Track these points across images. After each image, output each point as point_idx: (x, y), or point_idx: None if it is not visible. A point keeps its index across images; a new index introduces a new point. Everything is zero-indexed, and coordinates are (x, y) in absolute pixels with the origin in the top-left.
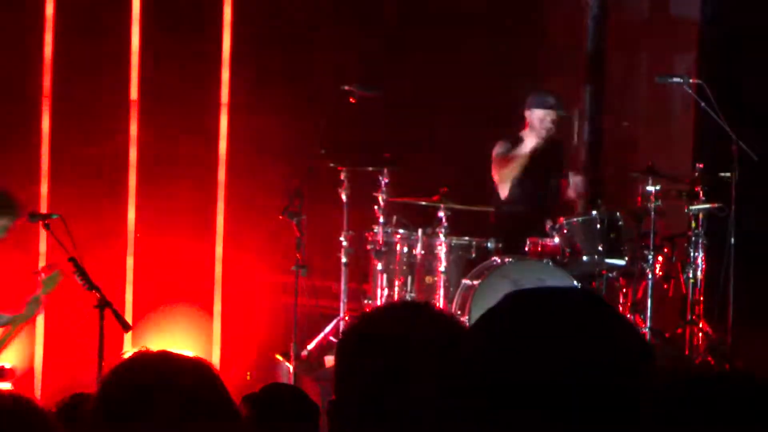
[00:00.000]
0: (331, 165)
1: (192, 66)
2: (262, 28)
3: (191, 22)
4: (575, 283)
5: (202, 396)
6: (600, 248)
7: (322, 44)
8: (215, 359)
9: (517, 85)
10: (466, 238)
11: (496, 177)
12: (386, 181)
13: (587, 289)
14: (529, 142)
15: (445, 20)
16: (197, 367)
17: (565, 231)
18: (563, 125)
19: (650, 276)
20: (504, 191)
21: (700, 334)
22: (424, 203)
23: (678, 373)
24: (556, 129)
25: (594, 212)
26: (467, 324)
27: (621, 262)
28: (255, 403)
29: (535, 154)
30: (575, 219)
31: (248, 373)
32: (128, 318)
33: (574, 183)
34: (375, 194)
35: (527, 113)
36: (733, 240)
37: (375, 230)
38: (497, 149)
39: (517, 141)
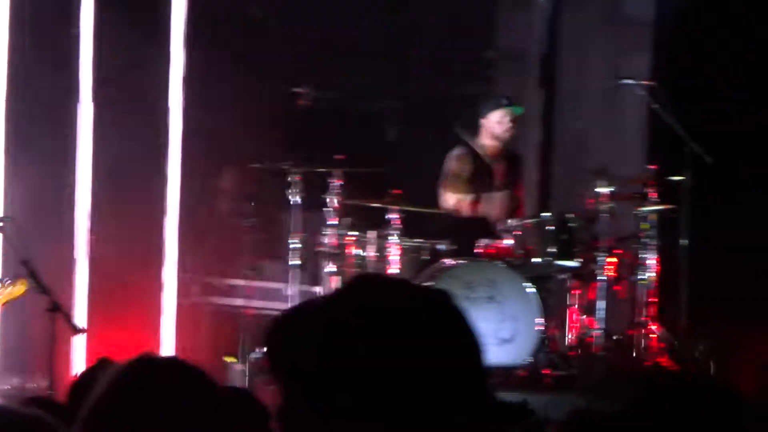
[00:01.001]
0: (283, 167)
1: (143, 69)
2: (213, 31)
3: (141, 23)
4: (527, 284)
5: (205, 405)
6: (552, 250)
7: (273, 47)
8: None
9: (469, 87)
10: (418, 240)
11: (446, 194)
12: (338, 183)
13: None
14: (495, 199)
15: (394, 21)
16: (203, 376)
17: (517, 233)
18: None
19: (602, 278)
20: (448, 205)
21: (652, 336)
22: (376, 205)
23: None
24: (517, 130)
25: (545, 214)
26: None
27: (573, 264)
28: None
29: (492, 163)
30: (527, 221)
31: None
32: (80, 322)
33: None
34: (326, 196)
35: (483, 121)
36: (684, 242)
37: (326, 232)
38: (454, 161)
39: (474, 150)
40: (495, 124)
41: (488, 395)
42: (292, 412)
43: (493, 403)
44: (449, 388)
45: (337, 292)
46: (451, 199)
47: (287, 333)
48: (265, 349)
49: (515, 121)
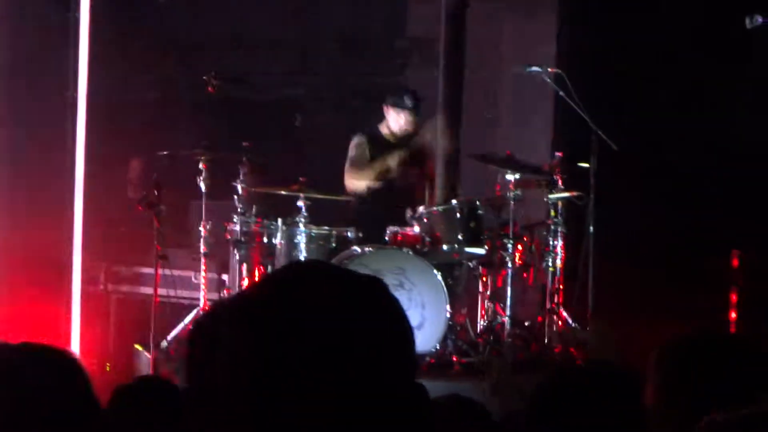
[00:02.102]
0: (190, 155)
1: (49, 56)
2: (120, 19)
3: (47, 10)
4: (435, 271)
5: (56, 388)
6: (460, 237)
7: (180, 35)
8: (73, 350)
9: (376, 77)
10: (326, 227)
11: (348, 177)
12: (246, 171)
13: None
14: (390, 159)
15: (303, 9)
16: (56, 358)
17: (425, 220)
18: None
19: (510, 265)
20: (357, 190)
21: (560, 323)
22: (283, 193)
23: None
24: (414, 128)
25: (453, 201)
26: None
27: (481, 251)
28: (126, 395)
29: (397, 151)
30: (435, 208)
31: (108, 364)
32: None
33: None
34: (234, 184)
35: (385, 109)
36: (592, 228)
37: (234, 220)
38: (353, 148)
39: (374, 134)
40: (392, 119)
41: (420, 385)
42: (213, 405)
43: (422, 392)
44: (388, 379)
45: (277, 281)
46: (352, 184)
47: (217, 325)
48: (192, 341)
49: (412, 123)
